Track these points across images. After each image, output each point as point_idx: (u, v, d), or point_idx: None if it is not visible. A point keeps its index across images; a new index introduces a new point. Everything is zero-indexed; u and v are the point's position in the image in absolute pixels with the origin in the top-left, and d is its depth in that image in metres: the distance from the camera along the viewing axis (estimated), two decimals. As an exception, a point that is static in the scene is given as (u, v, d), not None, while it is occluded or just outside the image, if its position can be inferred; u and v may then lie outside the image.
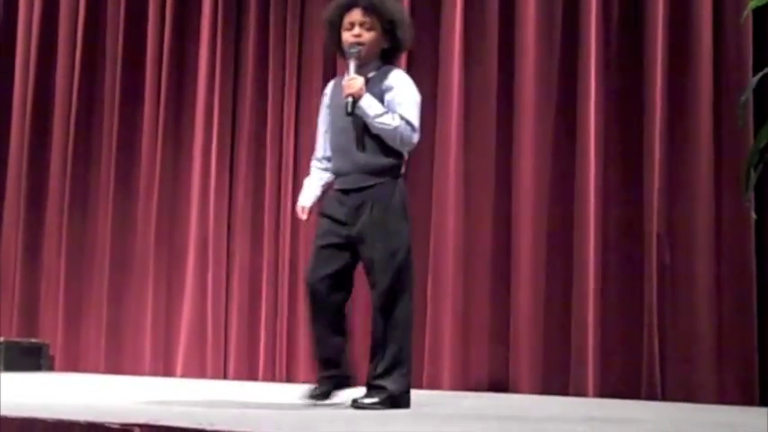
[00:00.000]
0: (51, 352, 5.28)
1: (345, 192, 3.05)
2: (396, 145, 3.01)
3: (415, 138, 3.04)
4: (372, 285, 3.00)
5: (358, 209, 3.00)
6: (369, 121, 3.00)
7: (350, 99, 2.99)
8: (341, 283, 3.04)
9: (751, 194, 2.52)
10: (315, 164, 3.22)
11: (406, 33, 3.12)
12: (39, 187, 5.53)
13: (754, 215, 2.99)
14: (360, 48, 3.05)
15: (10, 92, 5.67)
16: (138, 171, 5.25)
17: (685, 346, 3.87)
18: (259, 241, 4.90)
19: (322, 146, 3.20)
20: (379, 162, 3.01)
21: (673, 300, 3.94)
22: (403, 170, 3.07)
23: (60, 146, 5.49)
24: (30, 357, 5.14)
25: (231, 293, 4.94)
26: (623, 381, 3.96)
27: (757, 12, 3.37)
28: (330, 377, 3.05)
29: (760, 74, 2.55)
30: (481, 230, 4.35)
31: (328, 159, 3.16)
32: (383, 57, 3.13)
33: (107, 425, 2.25)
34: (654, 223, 3.95)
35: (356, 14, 3.08)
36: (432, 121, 4.46)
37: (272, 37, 4.98)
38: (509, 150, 4.31)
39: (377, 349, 2.97)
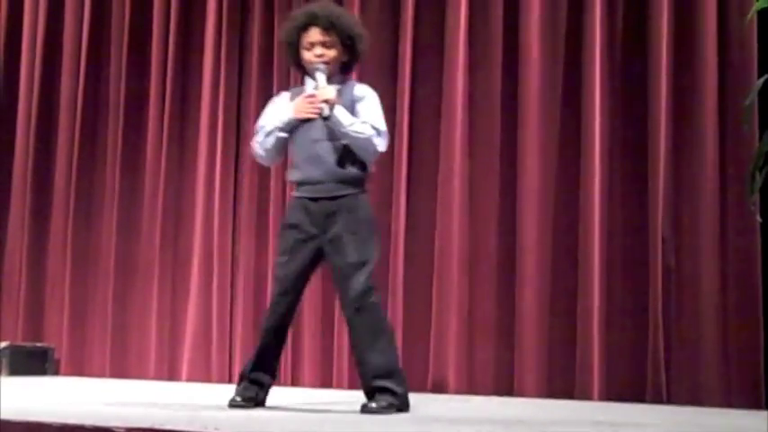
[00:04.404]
0: (56, 356, 5.28)
1: (314, 200, 3.06)
2: (367, 153, 3.07)
3: (384, 145, 3.10)
4: (345, 291, 3.01)
5: (328, 216, 3.02)
6: (343, 129, 3.03)
7: (325, 105, 3.02)
8: (300, 296, 3.12)
9: (756, 197, 2.51)
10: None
11: (364, 45, 3.18)
12: (44, 192, 5.54)
13: (759, 218, 2.98)
14: (326, 65, 3.09)
15: (15, 97, 5.68)
16: (143, 175, 5.25)
17: (691, 349, 3.86)
18: (264, 245, 4.90)
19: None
20: (351, 171, 3.06)
21: (678, 303, 3.93)
22: (367, 185, 3.13)
23: (65, 150, 5.49)
24: (35, 361, 5.15)
25: (236, 297, 4.94)
26: (628, 384, 3.95)
27: (762, 13, 3.37)
28: (263, 384, 3.08)
29: (765, 76, 2.54)
30: (486, 234, 4.35)
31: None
32: (342, 69, 3.17)
33: (112, 429, 2.26)
34: (659, 226, 3.94)
35: (315, 34, 3.10)
36: (436, 125, 4.46)
37: (276, 41, 4.97)
38: (514, 154, 4.31)
39: (364, 354, 2.98)
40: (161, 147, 5.21)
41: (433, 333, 4.34)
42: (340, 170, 3.04)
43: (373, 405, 2.89)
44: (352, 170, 3.05)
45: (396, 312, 4.39)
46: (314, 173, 3.07)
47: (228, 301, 4.95)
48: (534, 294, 4.17)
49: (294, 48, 3.15)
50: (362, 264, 2.98)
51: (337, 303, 4.53)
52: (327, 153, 3.05)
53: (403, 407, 2.93)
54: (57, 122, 5.55)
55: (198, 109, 5.16)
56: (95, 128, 5.47)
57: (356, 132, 3.03)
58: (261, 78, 5.01)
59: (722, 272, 3.86)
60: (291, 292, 3.08)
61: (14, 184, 5.62)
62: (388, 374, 2.94)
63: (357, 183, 3.07)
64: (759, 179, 2.38)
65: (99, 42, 5.50)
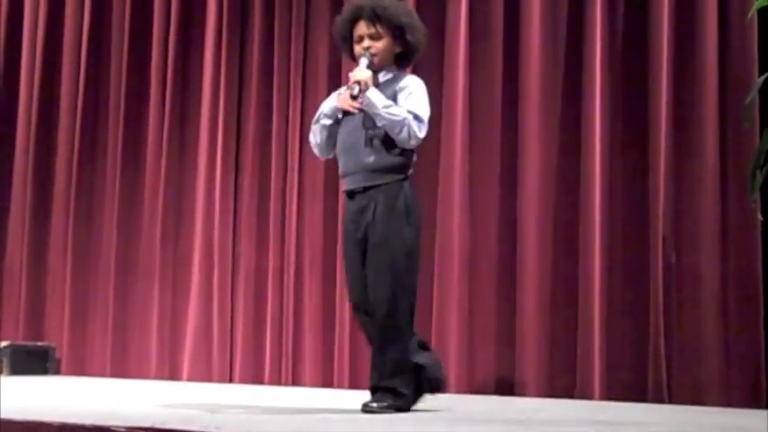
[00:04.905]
0: (57, 355, 5.28)
1: (351, 195, 3.04)
2: (403, 138, 2.98)
3: (423, 131, 3.01)
4: (371, 289, 2.97)
5: (362, 211, 2.99)
6: (376, 111, 2.97)
7: (355, 85, 2.98)
8: None
9: (757, 195, 2.51)
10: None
11: (416, 36, 3.10)
12: (44, 191, 5.54)
13: (760, 217, 2.98)
14: (372, 56, 3.05)
15: (16, 96, 5.69)
16: (144, 174, 5.25)
17: (692, 348, 3.86)
18: (264, 244, 4.90)
19: None
20: (386, 161, 2.99)
21: (679, 302, 3.93)
22: (411, 172, 3.05)
23: (66, 150, 5.50)
24: (36, 361, 5.15)
25: (237, 296, 4.95)
26: (629, 383, 3.95)
27: (762, 12, 3.36)
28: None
29: (765, 74, 2.54)
30: (487, 232, 4.35)
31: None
32: (397, 62, 3.12)
33: (113, 428, 2.26)
34: (660, 225, 3.94)
35: (362, 27, 3.08)
36: (437, 122, 4.45)
37: (276, 41, 4.98)
38: (514, 151, 4.31)
39: (378, 353, 2.95)
40: (161, 146, 5.21)
41: (433, 332, 4.33)
42: (373, 161, 2.98)
43: (374, 405, 2.89)
44: (387, 159, 2.98)
45: (396, 311, 4.39)
46: (348, 164, 3.05)
47: (229, 300, 4.95)
48: (535, 293, 4.16)
49: (348, 43, 3.13)
50: (389, 261, 2.92)
51: (338, 302, 4.55)
52: (360, 143, 3.00)
53: (404, 407, 2.93)
54: (57, 121, 5.56)
55: (198, 108, 5.16)
56: (96, 127, 5.47)
57: (390, 114, 2.96)
58: (261, 78, 5.01)
59: (723, 271, 3.86)
60: (359, 296, 3.01)
61: (15, 183, 5.62)
62: (397, 376, 2.92)
63: (393, 171, 2.99)
64: (760, 177, 2.38)
65: (99, 42, 5.50)
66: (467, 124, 4.43)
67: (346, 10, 3.15)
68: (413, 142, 3.01)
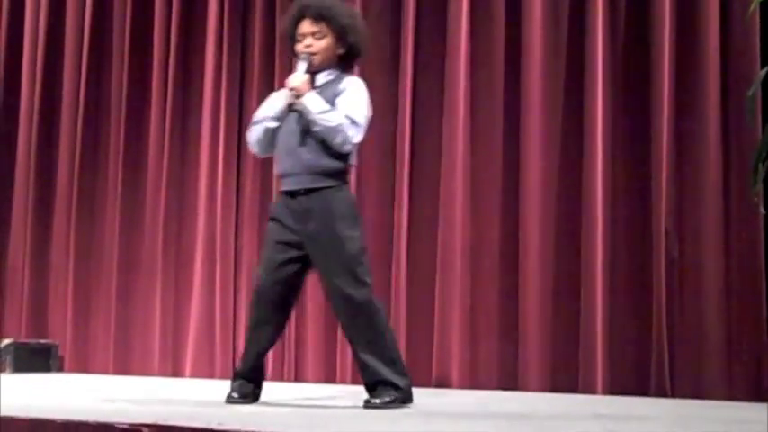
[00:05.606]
0: (60, 353, 5.29)
1: (292, 195, 3.03)
2: (337, 143, 2.99)
3: (359, 136, 3.03)
4: (330, 293, 3.00)
5: (304, 214, 2.99)
6: (311, 117, 2.99)
7: (290, 92, 3.01)
8: (290, 290, 3.06)
9: (759, 189, 2.51)
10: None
11: (358, 38, 3.12)
12: (47, 188, 5.54)
13: (762, 210, 2.98)
14: (311, 56, 3.06)
15: (18, 93, 5.68)
16: (146, 171, 5.25)
17: (694, 342, 3.86)
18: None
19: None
20: (326, 164, 3.00)
21: (681, 296, 3.93)
22: (348, 178, 3.09)
23: (68, 148, 5.49)
24: (39, 358, 5.15)
25: (239, 292, 4.95)
26: (632, 378, 3.95)
27: (764, 5, 3.36)
28: (250, 382, 3.07)
29: (767, 68, 2.54)
30: (489, 229, 4.35)
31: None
32: (340, 64, 3.13)
33: (116, 425, 2.26)
34: (662, 220, 3.94)
35: (306, 25, 3.09)
36: (438, 119, 4.46)
37: (277, 40, 4.96)
38: (516, 149, 4.31)
39: (361, 354, 2.95)
40: (163, 144, 5.21)
41: (436, 328, 4.34)
42: (314, 162, 2.99)
43: (377, 400, 2.88)
44: (327, 162, 2.99)
45: (399, 308, 4.39)
46: (289, 165, 3.05)
47: (231, 296, 4.95)
48: (537, 289, 4.16)
49: (294, 41, 3.14)
50: (344, 263, 2.94)
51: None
52: (302, 144, 3.01)
53: (406, 399, 2.93)
54: (59, 119, 5.55)
55: (200, 105, 5.15)
56: (98, 124, 5.47)
57: (324, 120, 2.97)
58: (263, 75, 4.99)
59: (725, 265, 3.86)
60: (270, 293, 3.04)
61: (17, 181, 5.62)
62: (389, 368, 2.92)
63: (334, 175, 3.01)
64: (762, 171, 2.38)
65: (101, 38, 5.49)
66: (468, 121, 4.42)
67: (293, 8, 3.16)
68: (347, 147, 3.02)
